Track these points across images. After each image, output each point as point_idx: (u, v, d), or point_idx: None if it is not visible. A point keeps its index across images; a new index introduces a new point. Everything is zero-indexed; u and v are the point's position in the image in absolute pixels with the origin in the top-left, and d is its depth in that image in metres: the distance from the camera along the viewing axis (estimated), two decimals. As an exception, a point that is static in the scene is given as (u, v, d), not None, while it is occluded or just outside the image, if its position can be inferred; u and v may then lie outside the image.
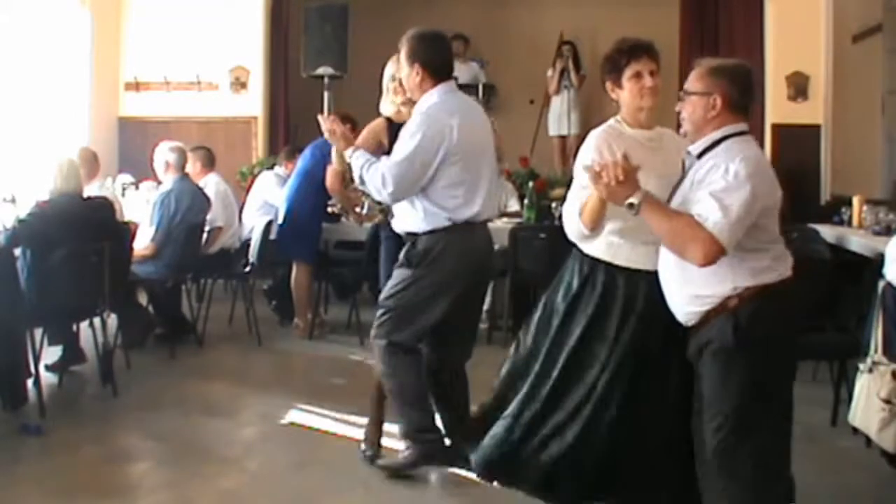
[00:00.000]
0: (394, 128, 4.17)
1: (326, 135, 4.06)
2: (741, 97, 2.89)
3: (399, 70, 4.11)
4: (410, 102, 4.09)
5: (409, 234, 3.99)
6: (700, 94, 2.90)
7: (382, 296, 4.03)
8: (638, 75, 3.17)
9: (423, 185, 3.88)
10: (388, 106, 4.36)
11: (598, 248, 3.20)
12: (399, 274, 3.99)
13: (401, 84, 4.12)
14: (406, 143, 3.85)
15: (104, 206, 5.45)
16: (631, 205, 2.82)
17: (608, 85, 3.28)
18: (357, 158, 3.95)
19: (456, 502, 3.99)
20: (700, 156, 2.92)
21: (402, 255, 4.01)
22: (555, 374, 3.20)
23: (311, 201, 6.54)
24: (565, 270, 3.36)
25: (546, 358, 3.24)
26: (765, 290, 2.83)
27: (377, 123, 4.33)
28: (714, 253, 2.75)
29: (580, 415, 3.12)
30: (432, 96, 3.92)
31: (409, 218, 3.98)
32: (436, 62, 3.96)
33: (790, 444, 2.97)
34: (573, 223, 3.19)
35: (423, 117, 3.89)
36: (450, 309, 3.95)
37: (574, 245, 3.31)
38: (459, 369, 4.18)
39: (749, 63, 3.05)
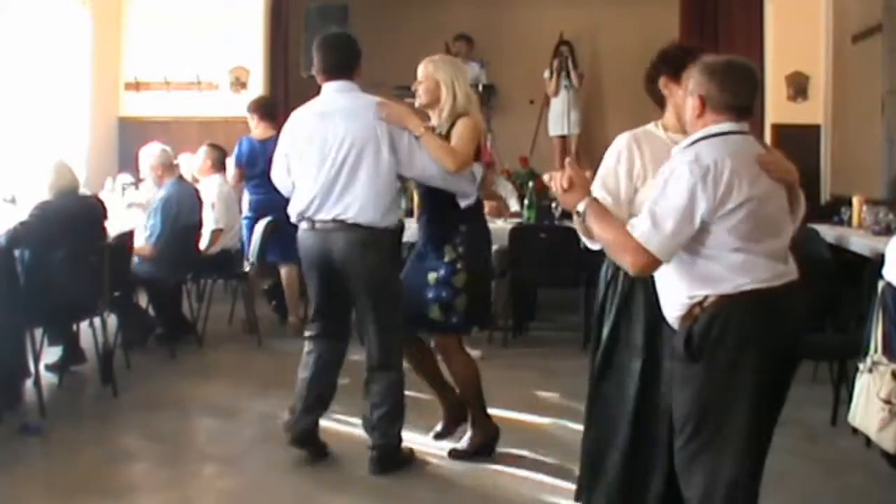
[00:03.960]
0: None
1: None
2: (721, 95, 2.71)
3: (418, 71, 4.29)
4: None
5: None
6: (688, 94, 2.81)
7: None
8: None
9: (291, 181, 4.23)
10: None
11: None
12: None
13: None
14: None
15: (97, 206, 5.48)
16: (577, 213, 2.76)
17: (662, 80, 3.16)
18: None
19: (454, 498, 3.99)
20: None
21: None
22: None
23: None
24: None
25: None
26: (727, 300, 2.65)
27: None
28: (645, 262, 2.65)
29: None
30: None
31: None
32: (320, 63, 4.18)
33: (755, 472, 2.75)
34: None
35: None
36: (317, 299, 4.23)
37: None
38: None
39: (743, 58, 2.88)
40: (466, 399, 4.38)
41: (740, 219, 2.62)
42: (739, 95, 2.73)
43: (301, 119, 4.22)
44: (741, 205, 2.62)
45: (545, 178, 2.88)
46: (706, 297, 2.68)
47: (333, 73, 4.12)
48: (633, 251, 2.64)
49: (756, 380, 2.66)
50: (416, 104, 4.28)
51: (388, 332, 4.13)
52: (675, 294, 2.76)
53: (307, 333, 4.31)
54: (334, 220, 4.04)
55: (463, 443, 4.38)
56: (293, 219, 4.19)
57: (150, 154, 6.56)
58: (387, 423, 4.15)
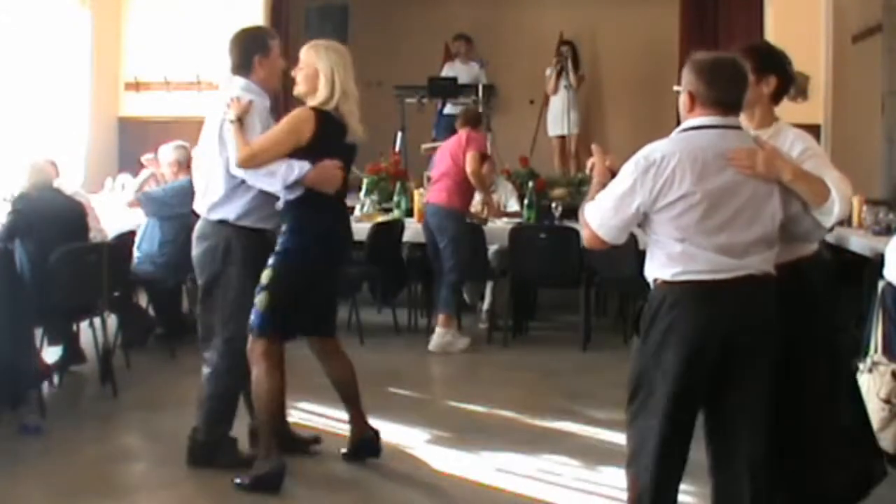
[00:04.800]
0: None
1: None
2: (708, 90, 2.85)
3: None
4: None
5: None
6: (681, 91, 2.93)
7: None
8: None
9: None
10: None
11: None
12: None
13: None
14: None
15: (75, 201, 5.51)
16: None
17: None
18: None
19: (453, 499, 3.99)
20: None
21: None
22: None
23: None
24: None
25: None
26: (665, 285, 2.84)
27: None
28: (590, 239, 2.97)
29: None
30: None
31: None
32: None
33: (668, 450, 2.85)
34: None
35: None
36: None
37: None
38: None
39: (730, 55, 2.98)
40: (260, 416, 4.06)
41: (682, 210, 2.79)
42: (726, 92, 2.86)
43: None
44: (682, 197, 2.78)
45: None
46: (656, 280, 2.89)
47: (231, 70, 4.23)
48: (585, 227, 2.98)
49: (680, 363, 2.79)
50: (294, 92, 4.17)
51: (227, 327, 4.08)
52: (646, 275, 2.97)
53: None
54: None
55: (255, 468, 3.99)
56: None
57: (166, 150, 6.56)
58: (200, 411, 4.15)
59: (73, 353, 5.66)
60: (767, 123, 3.18)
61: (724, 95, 2.86)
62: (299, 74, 4.07)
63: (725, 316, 2.80)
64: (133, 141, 9.05)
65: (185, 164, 6.49)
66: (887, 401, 3.53)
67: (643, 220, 2.88)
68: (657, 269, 2.88)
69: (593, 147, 3.16)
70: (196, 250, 4.13)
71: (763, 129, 3.11)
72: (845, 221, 6.60)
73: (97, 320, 5.42)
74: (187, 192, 6.39)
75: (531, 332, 7.23)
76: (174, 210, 6.23)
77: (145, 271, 6.25)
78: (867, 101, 7.86)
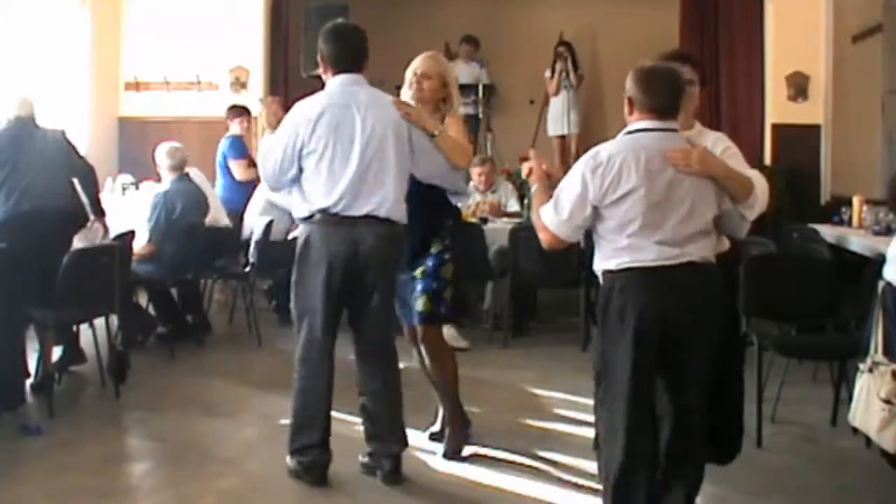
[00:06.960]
0: None
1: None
2: (643, 97, 3.14)
3: (420, 65, 4.27)
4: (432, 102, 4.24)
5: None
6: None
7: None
8: None
9: (292, 175, 3.96)
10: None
11: None
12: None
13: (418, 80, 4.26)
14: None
15: None
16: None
17: None
18: None
19: (455, 498, 3.99)
20: None
21: None
22: None
23: None
24: None
25: None
26: (613, 274, 3.14)
27: None
28: (550, 240, 3.24)
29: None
30: (326, 87, 4.07)
31: (294, 207, 4.13)
32: (331, 54, 4.01)
33: (633, 425, 3.11)
34: None
35: (292, 111, 4.03)
36: (322, 300, 3.98)
37: None
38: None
39: (666, 65, 3.27)
40: (448, 393, 4.42)
41: (630, 205, 3.07)
42: (660, 98, 3.15)
43: (320, 111, 3.92)
44: (629, 192, 3.07)
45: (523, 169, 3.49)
46: (604, 272, 3.18)
47: (349, 65, 3.97)
48: (542, 230, 3.25)
49: (636, 341, 3.07)
50: (416, 98, 4.18)
51: (390, 328, 4.16)
52: (596, 263, 3.24)
53: (306, 345, 4.20)
54: (367, 216, 3.88)
55: (450, 442, 4.39)
56: (302, 214, 3.99)
57: (159, 151, 6.57)
58: (400, 424, 4.08)
59: (73, 353, 5.66)
60: (689, 126, 3.41)
61: (656, 102, 3.14)
62: (426, 83, 4.21)
63: (669, 296, 3.08)
64: (133, 141, 9.08)
65: (172, 166, 6.48)
66: (887, 401, 3.53)
67: (594, 216, 3.14)
68: (604, 261, 3.17)
69: (531, 153, 3.46)
70: (393, 252, 4.01)
71: (686, 132, 3.32)
72: (845, 221, 6.63)
73: (97, 320, 5.41)
74: (185, 192, 6.42)
75: (531, 332, 7.22)
76: (185, 217, 6.29)
77: (145, 271, 6.25)
78: (867, 101, 7.86)
